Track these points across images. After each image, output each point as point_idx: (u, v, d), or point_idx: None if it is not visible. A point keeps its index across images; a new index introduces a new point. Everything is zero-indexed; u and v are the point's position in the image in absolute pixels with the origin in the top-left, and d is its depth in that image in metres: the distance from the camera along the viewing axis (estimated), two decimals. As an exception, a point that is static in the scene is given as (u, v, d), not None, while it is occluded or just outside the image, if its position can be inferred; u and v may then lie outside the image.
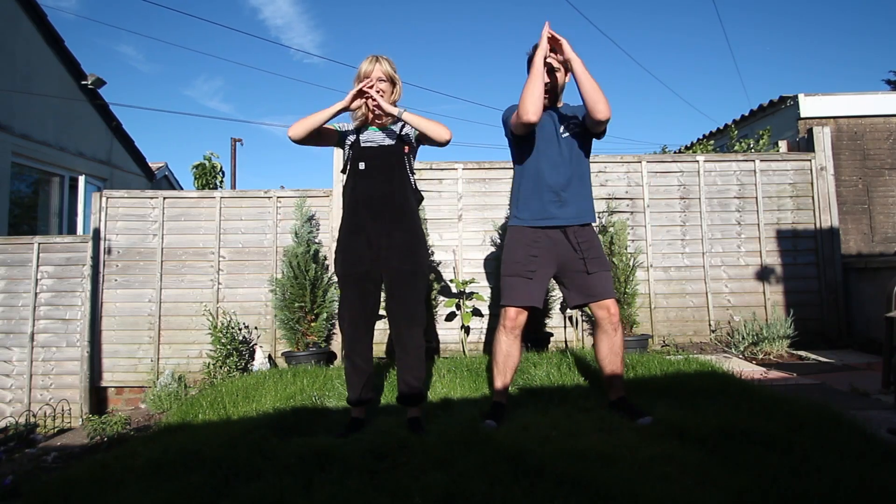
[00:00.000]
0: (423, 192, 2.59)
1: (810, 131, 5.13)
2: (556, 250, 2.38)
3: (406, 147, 2.36)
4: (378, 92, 2.27)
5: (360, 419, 2.34)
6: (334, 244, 4.91)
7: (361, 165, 2.32)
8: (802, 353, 4.36)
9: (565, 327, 4.83)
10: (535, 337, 4.26)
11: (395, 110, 2.28)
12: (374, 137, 2.38)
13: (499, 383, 2.43)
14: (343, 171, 2.43)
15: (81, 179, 7.71)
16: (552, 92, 2.42)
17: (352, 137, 2.40)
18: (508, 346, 2.42)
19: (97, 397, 4.92)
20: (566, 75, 2.45)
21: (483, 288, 4.75)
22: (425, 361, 2.47)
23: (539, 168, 2.41)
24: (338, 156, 5.03)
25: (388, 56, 2.36)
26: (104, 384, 4.93)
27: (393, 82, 2.34)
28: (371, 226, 2.28)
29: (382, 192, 2.30)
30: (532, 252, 2.37)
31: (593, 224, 2.49)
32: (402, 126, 2.38)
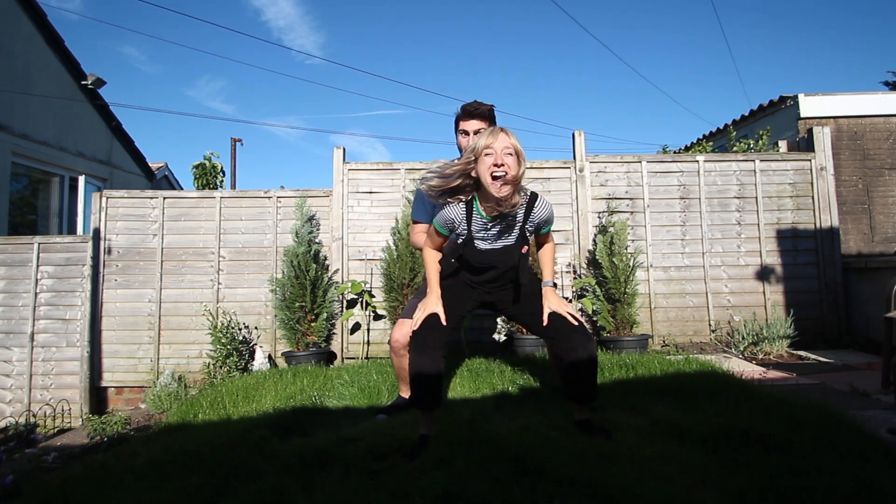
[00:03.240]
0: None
1: (810, 131, 5.13)
2: None
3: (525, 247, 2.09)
4: (503, 165, 1.85)
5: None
6: (334, 244, 4.95)
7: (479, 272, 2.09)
8: (802, 353, 4.36)
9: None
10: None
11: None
12: (490, 235, 2.04)
13: None
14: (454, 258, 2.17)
15: (81, 179, 7.71)
16: None
17: (462, 230, 2.03)
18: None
19: (97, 397, 4.92)
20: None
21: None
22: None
23: None
24: (337, 155, 5.03)
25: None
26: (104, 384, 4.93)
27: (519, 158, 1.90)
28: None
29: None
30: None
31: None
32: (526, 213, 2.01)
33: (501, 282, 2.17)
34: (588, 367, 2.00)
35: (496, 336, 4.63)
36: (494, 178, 1.87)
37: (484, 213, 1.99)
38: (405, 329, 2.41)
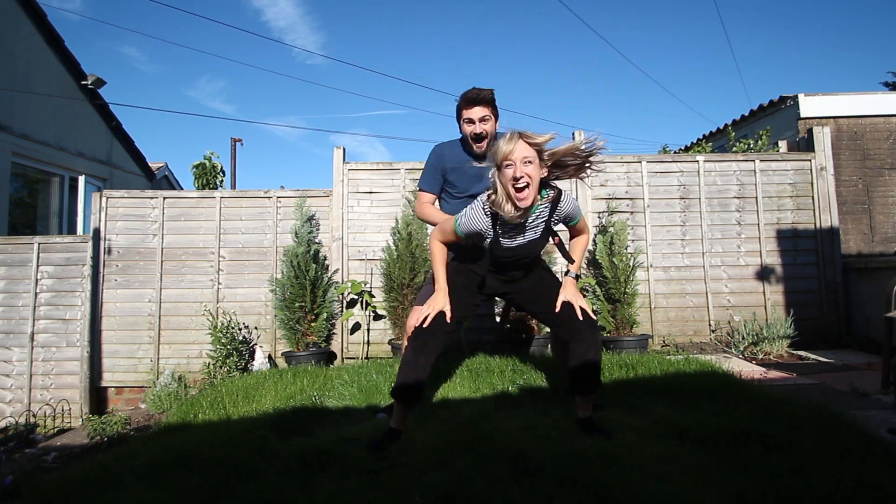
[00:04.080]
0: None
1: (810, 131, 5.13)
2: None
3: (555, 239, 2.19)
4: (522, 177, 1.87)
5: None
6: (334, 244, 4.95)
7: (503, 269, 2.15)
8: (802, 353, 4.36)
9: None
10: (530, 337, 4.27)
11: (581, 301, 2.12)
12: (516, 234, 2.07)
13: None
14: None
15: (81, 179, 7.71)
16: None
17: (489, 232, 2.06)
18: None
19: (97, 397, 4.92)
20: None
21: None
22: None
23: None
24: (337, 155, 5.03)
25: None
26: (104, 384, 4.93)
27: (540, 156, 1.93)
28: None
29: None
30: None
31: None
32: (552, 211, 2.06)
33: (520, 273, 2.20)
34: (591, 357, 2.03)
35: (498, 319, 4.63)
36: (518, 189, 1.90)
37: (508, 219, 2.00)
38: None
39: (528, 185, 1.89)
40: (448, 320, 2.07)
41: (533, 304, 2.28)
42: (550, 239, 2.18)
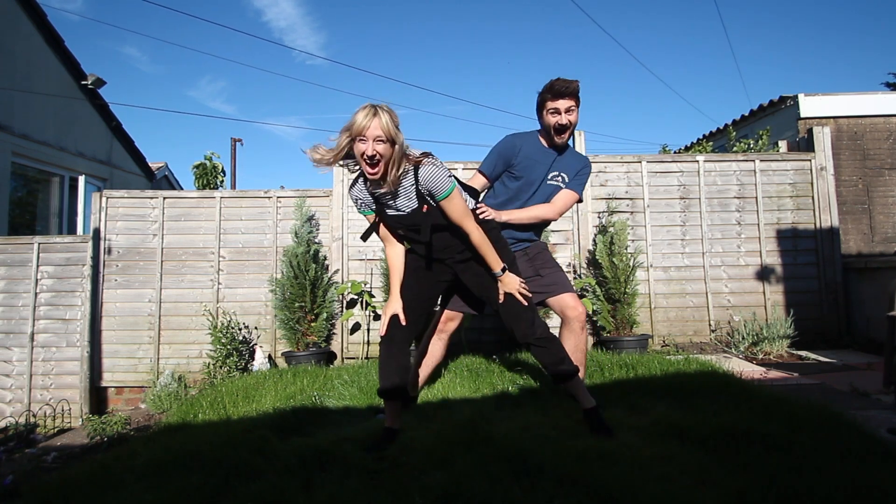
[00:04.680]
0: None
1: (810, 131, 5.13)
2: None
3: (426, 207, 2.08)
4: (374, 156, 1.87)
5: None
6: (334, 244, 4.95)
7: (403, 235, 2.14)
8: (802, 353, 4.36)
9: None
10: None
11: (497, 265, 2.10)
12: (390, 199, 2.07)
13: None
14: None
15: (81, 179, 7.71)
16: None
17: (369, 201, 2.11)
18: (432, 346, 2.63)
19: (97, 397, 4.92)
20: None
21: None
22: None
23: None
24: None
25: (387, 103, 1.93)
26: (104, 384, 4.93)
27: (392, 142, 1.89)
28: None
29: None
30: None
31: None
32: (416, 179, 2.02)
33: (447, 253, 2.18)
34: (538, 345, 2.11)
35: None
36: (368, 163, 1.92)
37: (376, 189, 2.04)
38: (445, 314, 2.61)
39: (377, 161, 1.89)
40: (403, 322, 2.12)
41: (483, 294, 2.25)
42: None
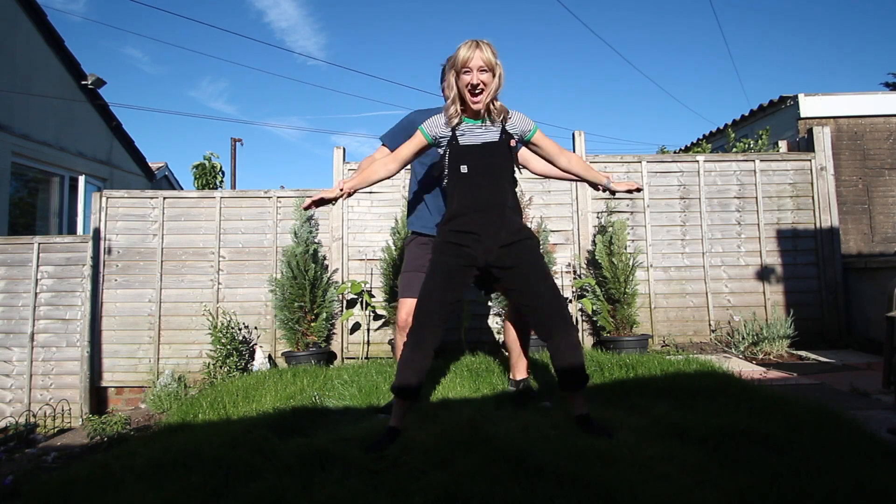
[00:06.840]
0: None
1: (810, 131, 5.13)
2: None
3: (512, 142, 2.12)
4: (479, 84, 1.99)
5: None
6: (334, 244, 4.95)
7: (463, 168, 2.07)
8: (802, 353, 4.36)
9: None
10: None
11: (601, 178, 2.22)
12: (474, 132, 2.10)
13: None
14: (437, 176, 2.25)
15: (81, 179, 7.71)
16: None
17: (447, 135, 2.11)
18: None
19: (97, 397, 4.92)
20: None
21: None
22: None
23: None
24: (337, 155, 5.03)
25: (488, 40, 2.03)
26: (104, 384, 4.93)
27: (493, 72, 2.01)
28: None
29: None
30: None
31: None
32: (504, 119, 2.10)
33: (490, 220, 2.05)
34: (576, 359, 2.04)
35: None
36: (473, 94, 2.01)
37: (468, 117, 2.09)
38: (409, 307, 2.46)
39: (482, 91, 2.00)
40: (444, 302, 2.04)
41: (518, 292, 2.11)
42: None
